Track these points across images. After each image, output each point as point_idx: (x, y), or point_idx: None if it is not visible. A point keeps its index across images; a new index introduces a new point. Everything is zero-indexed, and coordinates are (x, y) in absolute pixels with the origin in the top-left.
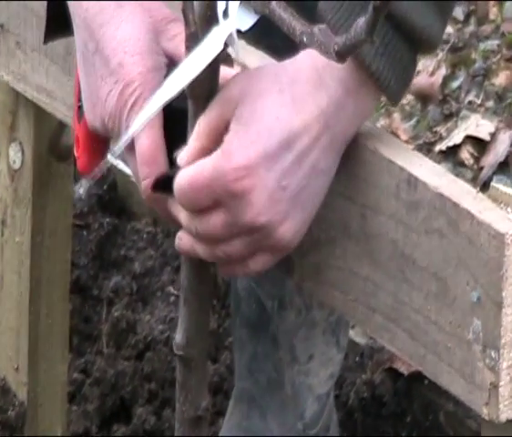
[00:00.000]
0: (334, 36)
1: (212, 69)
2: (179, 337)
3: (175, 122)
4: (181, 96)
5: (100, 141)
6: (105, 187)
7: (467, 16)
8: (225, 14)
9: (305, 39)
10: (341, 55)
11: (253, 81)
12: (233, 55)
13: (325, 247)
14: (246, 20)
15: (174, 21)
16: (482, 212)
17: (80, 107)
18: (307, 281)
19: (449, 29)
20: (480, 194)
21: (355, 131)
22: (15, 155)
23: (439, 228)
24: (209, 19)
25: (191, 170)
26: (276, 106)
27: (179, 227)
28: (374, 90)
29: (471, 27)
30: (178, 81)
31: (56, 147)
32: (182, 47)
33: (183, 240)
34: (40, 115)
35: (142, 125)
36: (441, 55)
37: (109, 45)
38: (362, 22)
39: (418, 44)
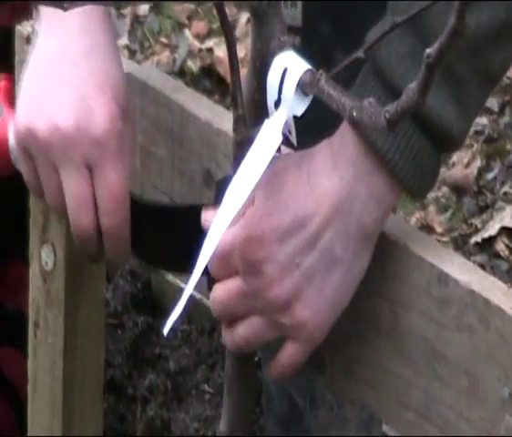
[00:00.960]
0: (383, 108)
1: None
2: (223, 426)
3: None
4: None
5: None
6: (139, 285)
7: (502, 107)
8: (276, 104)
9: (355, 114)
10: (392, 123)
11: (278, 158)
12: (293, 142)
13: (356, 343)
14: (300, 105)
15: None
16: None
17: None
18: (338, 379)
19: (484, 120)
20: (511, 290)
21: (375, 223)
22: (47, 256)
23: (470, 324)
24: (258, 103)
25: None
26: (294, 182)
27: None
28: (389, 178)
29: (506, 118)
30: (242, 185)
31: None
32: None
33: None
34: None
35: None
36: (476, 146)
37: (94, 65)
38: (413, 85)
39: (439, 141)
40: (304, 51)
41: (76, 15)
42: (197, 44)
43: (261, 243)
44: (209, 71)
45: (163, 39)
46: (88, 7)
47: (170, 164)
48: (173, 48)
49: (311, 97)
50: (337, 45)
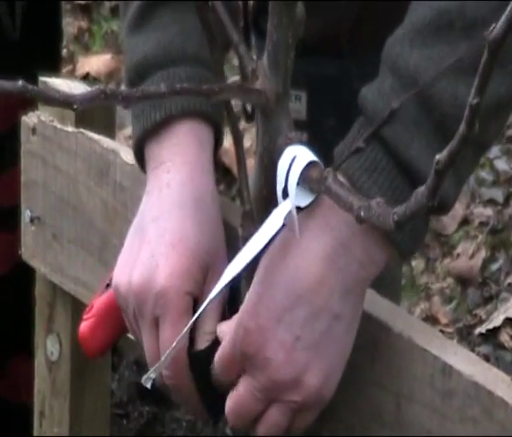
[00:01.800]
0: (392, 208)
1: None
2: None
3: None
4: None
5: (112, 324)
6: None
7: (507, 198)
8: (284, 193)
9: (363, 214)
10: (400, 225)
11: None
12: (296, 234)
13: (360, 434)
14: (304, 197)
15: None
16: None
17: (108, 285)
18: None
19: (489, 211)
20: None
21: (370, 279)
22: (52, 346)
23: (474, 417)
24: (265, 198)
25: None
26: (283, 255)
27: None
28: (383, 239)
29: (511, 209)
30: (239, 264)
31: None
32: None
33: None
34: (77, 306)
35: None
36: (481, 237)
37: (172, 223)
38: (422, 189)
39: (435, 209)
40: (308, 145)
41: (179, 166)
42: None
43: (260, 331)
44: (216, 163)
45: None
46: (194, 159)
47: None
48: None
49: (315, 194)
50: (341, 140)
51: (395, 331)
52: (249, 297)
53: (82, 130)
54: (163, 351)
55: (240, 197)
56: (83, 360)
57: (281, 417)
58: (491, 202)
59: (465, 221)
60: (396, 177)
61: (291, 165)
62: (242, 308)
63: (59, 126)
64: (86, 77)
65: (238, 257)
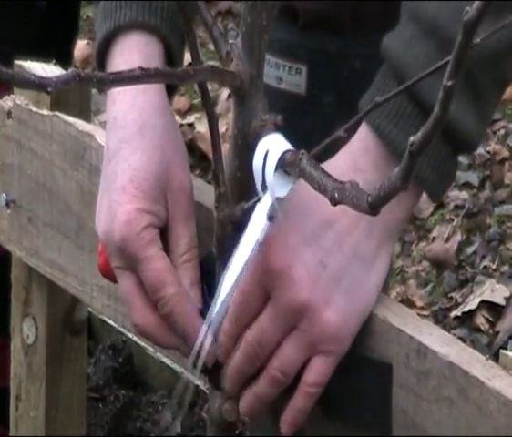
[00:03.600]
0: (365, 191)
1: (242, 230)
2: None
3: None
4: None
5: None
6: (120, 359)
7: (482, 182)
8: (263, 187)
9: (337, 195)
10: (374, 207)
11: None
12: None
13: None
14: (283, 186)
15: (185, 186)
16: (491, 379)
17: None
18: None
19: (464, 195)
20: (490, 361)
21: (396, 223)
22: (28, 330)
23: (449, 397)
24: (240, 181)
25: None
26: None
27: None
28: (413, 183)
29: (486, 192)
30: (233, 273)
31: (70, 321)
32: (179, 228)
33: (246, 399)
34: (53, 290)
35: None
36: (456, 221)
37: (121, 164)
38: (396, 171)
39: (460, 147)
40: (306, 120)
41: (129, 96)
42: (178, 119)
43: (287, 248)
44: (190, 146)
45: None
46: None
47: None
48: None
49: (294, 179)
50: (339, 116)
51: (371, 313)
52: (278, 224)
53: (57, 113)
54: (151, 287)
55: (214, 179)
56: (59, 343)
57: (296, 351)
58: (467, 185)
59: (440, 205)
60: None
61: (265, 159)
62: (272, 233)
63: (34, 109)
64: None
65: (233, 261)
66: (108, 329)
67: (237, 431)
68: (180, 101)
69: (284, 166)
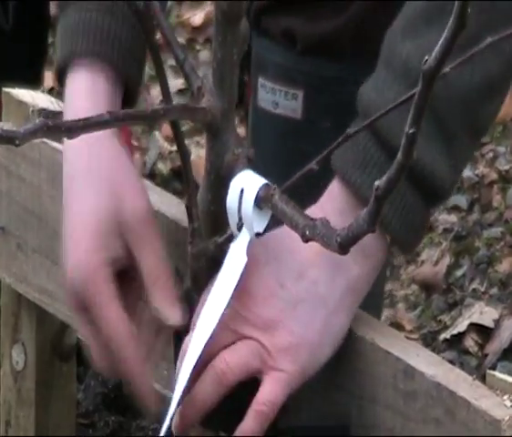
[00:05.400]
0: (336, 229)
1: (216, 264)
2: None
3: None
4: None
5: None
6: (110, 385)
7: (471, 205)
8: (238, 226)
9: (308, 232)
10: (343, 247)
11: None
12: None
13: None
14: (261, 221)
15: (145, 216)
16: (478, 399)
17: None
18: None
19: (453, 218)
20: (476, 381)
21: (362, 277)
22: (17, 356)
23: (436, 417)
24: (213, 214)
25: None
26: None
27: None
28: (379, 232)
29: (475, 215)
30: (213, 311)
31: (59, 347)
32: (142, 252)
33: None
34: (42, 316)
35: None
36: (445, 244)
37: (70, 207)
38: (364, 213)
39: (431, 195)
40: (302, 144)
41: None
42: (167, 146)
43: (252, 267)
44: (179, 173)
45: (134, 142)
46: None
47: None
48: (143, 150)
49: (269, 214)
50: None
51: (358, 334)
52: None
53: (45, 140)
54: (106, 337)
55: (188, 214)
56: (48, 369)
57: (246, 354)
58: (455, 209)
59: (429, 228)
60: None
61: (240, 197)
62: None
63: None
64: (50, 91)
65: (209, 304)
66: None
67: None
68: (169, 128)
69: (259, 201)
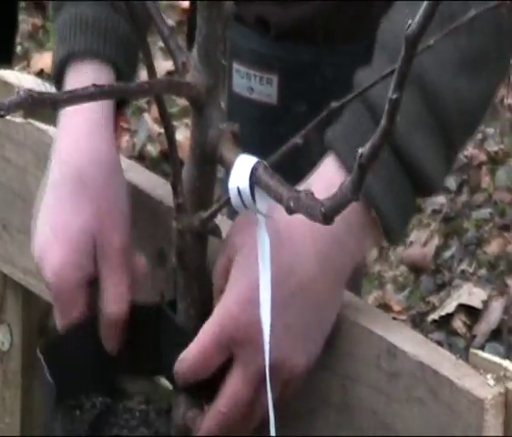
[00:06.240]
0: (320, 200)
1: (201, 240)
2: None
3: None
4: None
5: None
6: None
7: (460, 186)
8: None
9: (292, 204)
10: (327, 217)
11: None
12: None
13: (306, 418)
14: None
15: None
16: (461, 379)
17: None
18: None
19: (442, 199)
20: (460, 361)
21: (354, 265)
22: (3, 337)
23: (420, 397)
24: (198, 191)
25: (200, 336)
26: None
27: None
28: (378, 230)
29: (464, 197)
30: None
31: (45, 328)
32: (108, 271)
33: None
34: (28, 297)
35: None
36: (433, 225)
37: (51, 213)
38: (347, 181)
39: (420, 186)
40: (278, 129)
41: (66, 131)
42: (156, 128)
43: (249, 316)
44: (168, 155)
45: (123, 124)
46: (81, 118)
47: None
48: (133, 133)
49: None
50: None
51: (341, 314)
52: (238, 289)
53: (30, 121)
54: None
55: (173, 190)
56: (34, 350)
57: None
58: (444, 190)
59: (418, 209)
60: (397, 172)
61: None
62: (230, 298)
63: (8, 117)
64: (40, 74)
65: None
66: None
67: None
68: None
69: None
